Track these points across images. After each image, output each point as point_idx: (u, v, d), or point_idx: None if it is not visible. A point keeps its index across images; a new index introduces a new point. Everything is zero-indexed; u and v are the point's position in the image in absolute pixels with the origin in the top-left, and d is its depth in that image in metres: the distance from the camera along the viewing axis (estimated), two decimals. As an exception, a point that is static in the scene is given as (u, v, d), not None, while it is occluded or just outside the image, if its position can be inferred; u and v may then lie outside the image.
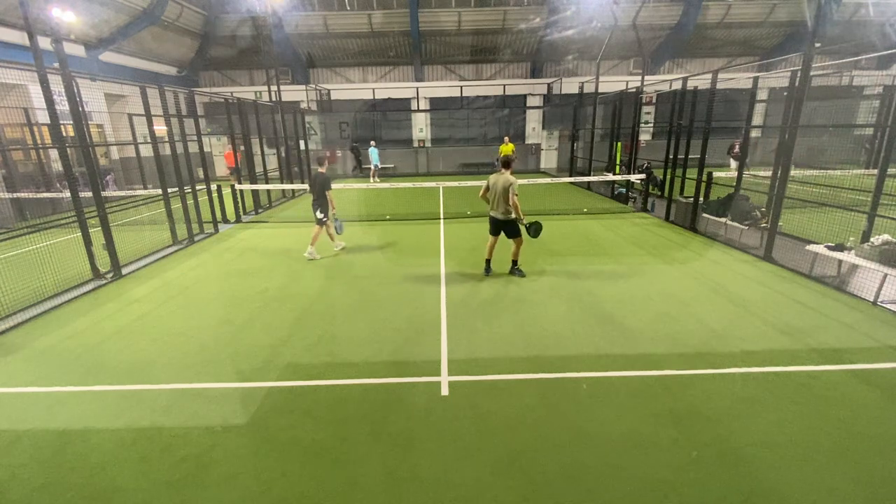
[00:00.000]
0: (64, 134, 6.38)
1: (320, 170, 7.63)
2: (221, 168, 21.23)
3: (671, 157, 9.99)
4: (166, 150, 8.63)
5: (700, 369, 3.97)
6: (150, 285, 6.51)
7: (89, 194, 6.72)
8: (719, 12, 20.27)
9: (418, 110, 22.10)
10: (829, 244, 6.05)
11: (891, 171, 5.96)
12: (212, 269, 7.30)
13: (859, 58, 8.29)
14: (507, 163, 6.32)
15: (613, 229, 9.32)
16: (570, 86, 21.08)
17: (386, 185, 12.82)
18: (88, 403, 3.68)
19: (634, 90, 12.35)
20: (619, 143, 13.65)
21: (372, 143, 18.58)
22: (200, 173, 11.09)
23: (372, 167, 18.27)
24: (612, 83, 19.97)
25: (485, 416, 3.42)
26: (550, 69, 23.17)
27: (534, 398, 3.62)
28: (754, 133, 15.03)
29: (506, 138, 16.21)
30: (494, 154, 21.17)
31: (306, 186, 15.36)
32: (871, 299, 5.26)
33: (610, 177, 12.68)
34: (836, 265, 6.15)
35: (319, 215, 7.50)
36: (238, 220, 11.09)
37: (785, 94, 7.75)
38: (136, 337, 4.87)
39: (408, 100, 22.62)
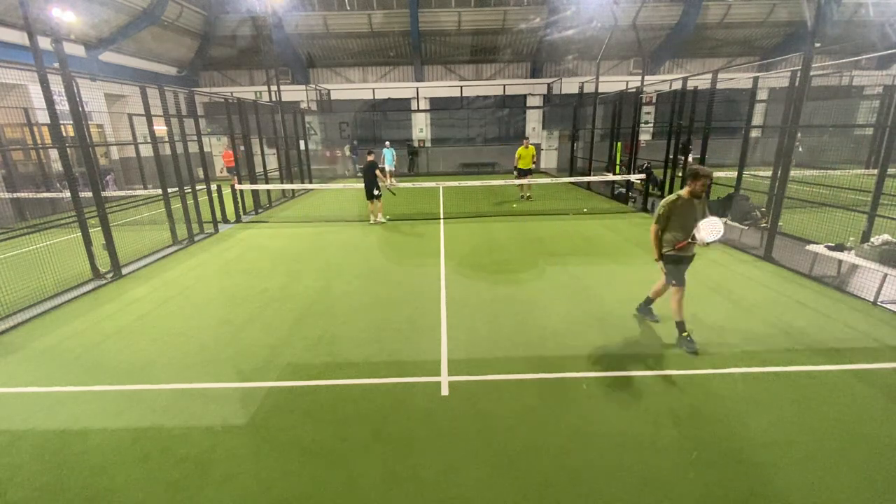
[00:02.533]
0: (64, 134, 6.38)
1: (369, 158, 10.25)
2: (219, 168, 21.24)
3: (671, 157, 9.99)
4: (166, 150, 8.63)
5: (700, 369, 3.97)
6: (150, 285, 6.51)
7: (89, 194, 6.72)
8: (719, 12, 20.27)
9: (418, 110, 22.10)
10: (829, 244, 6.05)
11: (891, 170, 5.95)
12: (212, 269, 7.30)
13: (859, 58, 8.30)
14: (695, 175, 4.18)
15: (613, 229, 9.32)
16: (570, 86, 21.08)
17: (385, 183, 12.74)
18: (88, 403, 3.68)
19: (634, 90, 12.35)
20: (619, 143, 13.65)
21: (387, 143, 17.19)
22: (200, 173, 11.09)
23: (387, 170, 16.64)
24: (612, 83, 19.97)
25: (485, 416, 3.42)
26: (550, 69, 23.17)
27: (534, 398, 3.62)
28: (754, 133, 15.03)
29: (525, 141, 12.88)
30: (501, 154, 20.89)
31: (307, 186, 15.45)
32: (871, 299, 5.26)
33: (610, 177, 12.68)
34: (836, 265, 6.15)
35: (377, 192, 10.19)
36: (238, 220, 11.09)
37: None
38: (136, 337, 4.87)
39: (408, 100, 22.62)
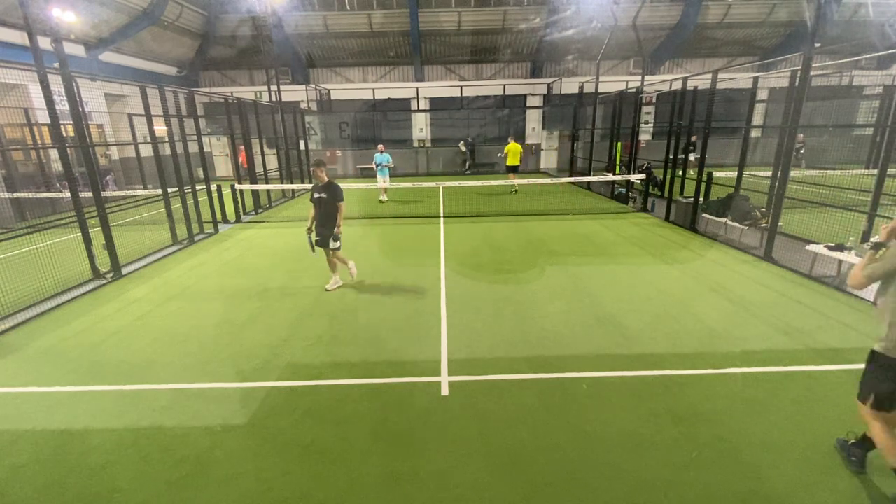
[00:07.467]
0: (64, 134, 6.38)
1: (322, 175, 6.67)
2: (222, 169, 21.29)
3: (671, 157, 9.99)
4: (166, 150, 8.63)
5: (700, 369, 3.96)
6: (150, 285, 6.51)
7: (89, 194, 6.72)
8: (719, 12, 20.27)
9: (418, 110, 22.10)
10: (829, 244, 6.05)
11: (891, 170, 5.96)
12: (212, 269, 7.30)
13: (859, 58, 8.30)
14: None
15: (613, 229, 9.31)
16: (570, 86, 21.08)
17: (382, 184, 12.73)
18: (88, 404, 3.68)
19: (634, 90, 12.35)
20: (619, 143, 13.65)
21: (380, 147, 13.15)
22: (200, 173, 11.09)
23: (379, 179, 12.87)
24: (611, 83, 19.97)
25: (485, 416, 3.42)
26: (550, 69, 23.16)
27: (534, 398, 3.62)
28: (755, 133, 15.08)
29: (510, 138, 14.69)
30: (500, 154, 20.82)
31: (307, 186, 15.42)
32: (871, 299, 5.25)
33: (610, 177, 12.68)
34: (836, 265, 6.15)
35: (334, 243, 5.97)
36: (238, 220, 11.09)
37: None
38: (136, 337, 4.87)
39: (408, 100, 22.62)
